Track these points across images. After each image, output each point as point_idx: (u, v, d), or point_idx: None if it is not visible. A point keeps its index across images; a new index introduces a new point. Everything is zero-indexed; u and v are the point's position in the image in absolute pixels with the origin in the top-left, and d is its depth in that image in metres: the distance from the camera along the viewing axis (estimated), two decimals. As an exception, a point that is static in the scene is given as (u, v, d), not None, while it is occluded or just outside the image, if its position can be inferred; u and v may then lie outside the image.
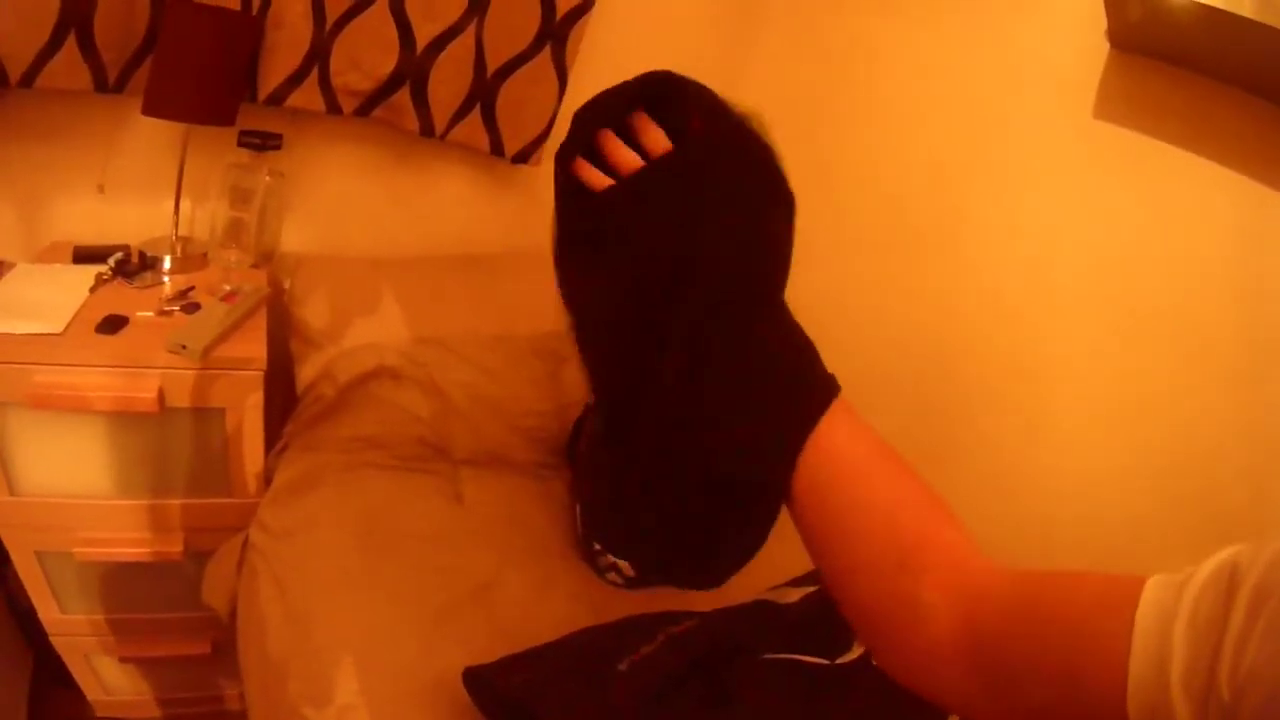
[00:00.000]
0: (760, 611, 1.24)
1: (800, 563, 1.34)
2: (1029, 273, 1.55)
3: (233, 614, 1.30)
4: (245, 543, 1.30)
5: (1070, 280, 1.50)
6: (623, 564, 1.31)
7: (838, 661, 1.15)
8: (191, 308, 1.39)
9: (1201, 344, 1.38)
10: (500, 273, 1.76)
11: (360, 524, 1.26)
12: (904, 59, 1.72)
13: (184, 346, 1.26)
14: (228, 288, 1.44)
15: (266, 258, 1.65)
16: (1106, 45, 1.40)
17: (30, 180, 1.52)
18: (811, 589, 1.30)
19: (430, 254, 1.80)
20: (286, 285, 1.62)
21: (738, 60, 2.05)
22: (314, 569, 1.19)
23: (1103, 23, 1.38)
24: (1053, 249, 1.53)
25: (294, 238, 1.71)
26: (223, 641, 1.48)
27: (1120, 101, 1.43)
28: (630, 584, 1.32)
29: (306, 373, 1.49)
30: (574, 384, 1.61)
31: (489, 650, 1.04)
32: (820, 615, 1.24)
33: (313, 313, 1.54)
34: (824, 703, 1.09)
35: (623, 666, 1.04)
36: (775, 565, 1.34)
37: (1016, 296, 1.57)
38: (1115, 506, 1.46)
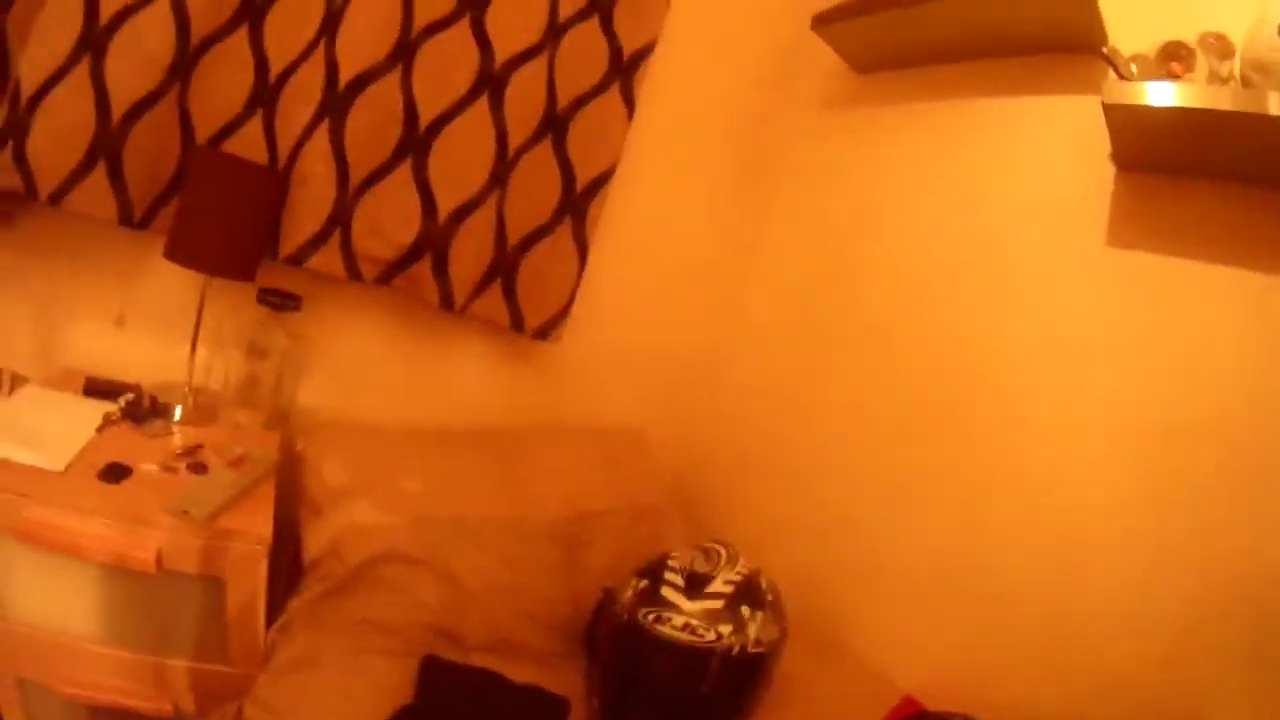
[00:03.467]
0: None
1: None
2: (1056, 403, 1.54)
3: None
4: (239, 714, 1.20)
5: (1099, 406, 1.50)
6: None
7: None
8: (198, 468, 1.32)
9: (1232, 451, 1.35)
10: (517, 451, 1.72)
11: (366, 712, 1.16)
12: (913, 230, 1.78)
13: (186, 511, 1.19)
14: (238, 450, 1.37)
15: (280, 419, 1.60)
16: (1113, 167, 1.45)
17: (50, 297, 1.50)
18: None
19: (446, 426, 1.76)
20: (298, 448, 1.55)
21: (753, 226, 2.11)
22: None
23: (1106, 146, 1.44)
24: (1080, 378, 1.54)
25: (309, 400, 1.67)
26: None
27: (1132, 223, 1.46)
28: None
29: (313, 543, 1.41)
30: (591, 570, 1.54)
31: None
32: None
33: (323, 482, 1.47)
34: None
35: None
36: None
37: (1045, 427, 1.55)
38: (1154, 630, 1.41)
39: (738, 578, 1.31)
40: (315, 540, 1.42)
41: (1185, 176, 1.38)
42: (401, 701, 1.17)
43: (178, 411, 1.45)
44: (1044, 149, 1.57)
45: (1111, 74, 1.36)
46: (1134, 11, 1.42)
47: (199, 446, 1.38)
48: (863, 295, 1.86)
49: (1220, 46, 1.22)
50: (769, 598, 1.32)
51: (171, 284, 1.50)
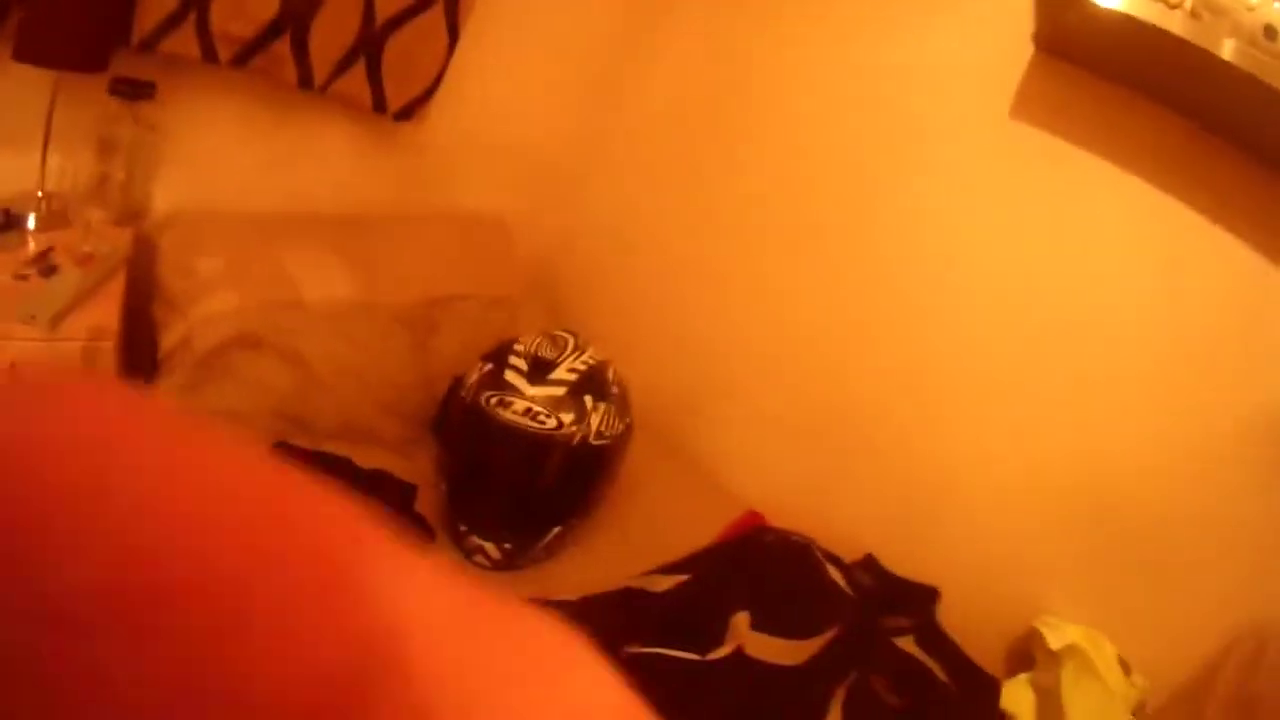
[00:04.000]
0: (628, 601, 1.26)
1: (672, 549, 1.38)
2: (936, 270, 1.61)
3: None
4: None
5: (977, 282, 1.56)
6: (489, 546, 1.32)
7: (708, 657, 1.17)
8: (48, 271, 1.31)
9: (1107, 358, 1.46)
10: (374, 236, 1.71)
11: None
12: (819, 54, 1.77)
13: (33, 317, 1.20)
14: (87, 249, 1.37)
15: (133, 216, 1.57)
16: (1031, 48, 1.42)
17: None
18: (683, 578, 1.32)
19: (307, 213, 1.74)
20: (152, 241, 1.53)
21: (643, 44, 2.03)
22: None
23: (1029, 25, 1.40)
24: (961, 248, 1.59)
25: (165, 194, 1.61)
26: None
27: (1041, 103, 1.49)
28: (497, 566, 1.32)
29: (169, 340, 1.42)
30: (442, 355, 1.59)
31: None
32: (691, 606, 1.26)
33: (177, 275, 1.46)
34: (694, 702, 1.11)
35: None
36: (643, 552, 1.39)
37: (922, 295, 1.62)
38: (1007, 516, 1.59)
39: (583, 366, 1.36)
40: (169, 335, 1.43)
41: (1106, 78, 1.39)
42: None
43: (31, 220, 1.42)
44: (964, 14, 1.56)
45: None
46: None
47: (50, 250, 1.36)
48: (754, 110, 1.86)
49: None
50: (614, 390, 1.38)
51: (20, 90, 1.42)
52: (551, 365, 1.35)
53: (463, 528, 1.33)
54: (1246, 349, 1.39)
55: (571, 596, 1.23)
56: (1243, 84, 1.17)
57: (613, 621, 1.20)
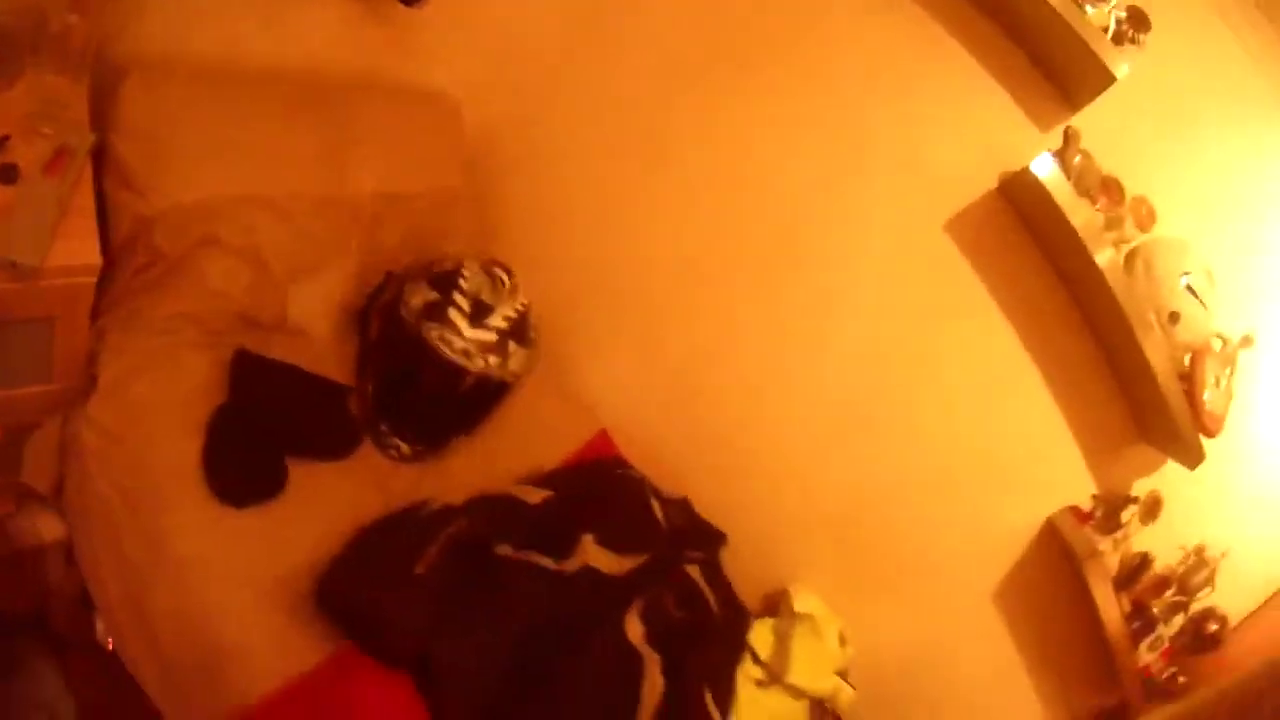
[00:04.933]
0: (508, 506, 1.61)
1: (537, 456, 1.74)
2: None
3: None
4: (68, 432, 1.37)
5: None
6: (403, 445, 1.61)
7: (560, 566, 1.56)
8: (7, 174, 1.23)
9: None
10: (342, 115, 1.77)
11: (189, 416, 1.39)
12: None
13: (14, 264, 1.17)
14: (50, 146, 1.27)
15: (85, 65, 1.43)
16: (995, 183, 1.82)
17: None
18: (549, 494, 1.68)
19: (282, 74, 1.75)
20: (112, 100, 1.45)
21: None
22: (157, 477, 1.33)
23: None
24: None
25: (130, 37, 1.54)
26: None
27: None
28: (405, 459, 1.63)
29: (124, 225, 1.45)
30: (382, 249, 1.77)
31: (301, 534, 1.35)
32: (553, 520, 1.63)
33: (137, 147, 1.44)
34: (548, 600, 1.52)
35: (419, 570, 1.38)
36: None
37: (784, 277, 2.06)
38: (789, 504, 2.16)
39: (514, 314, 1.62)
40: (123, 218, 1.45)
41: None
42: (217, 400, 1.42)
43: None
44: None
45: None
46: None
47: (6, 138, 1.28)
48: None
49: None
50: (533, 336, 1.66)
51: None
52: (490, 310, 1.58)
53: (384, 427, 1.61)
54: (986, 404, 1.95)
55: (461, 500, 1.55)
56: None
57: (499, 521, 1.56)
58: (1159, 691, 1.78)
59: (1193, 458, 1.72)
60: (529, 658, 1.42)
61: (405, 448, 1.62)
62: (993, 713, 2.13)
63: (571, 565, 1.59)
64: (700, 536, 2.03)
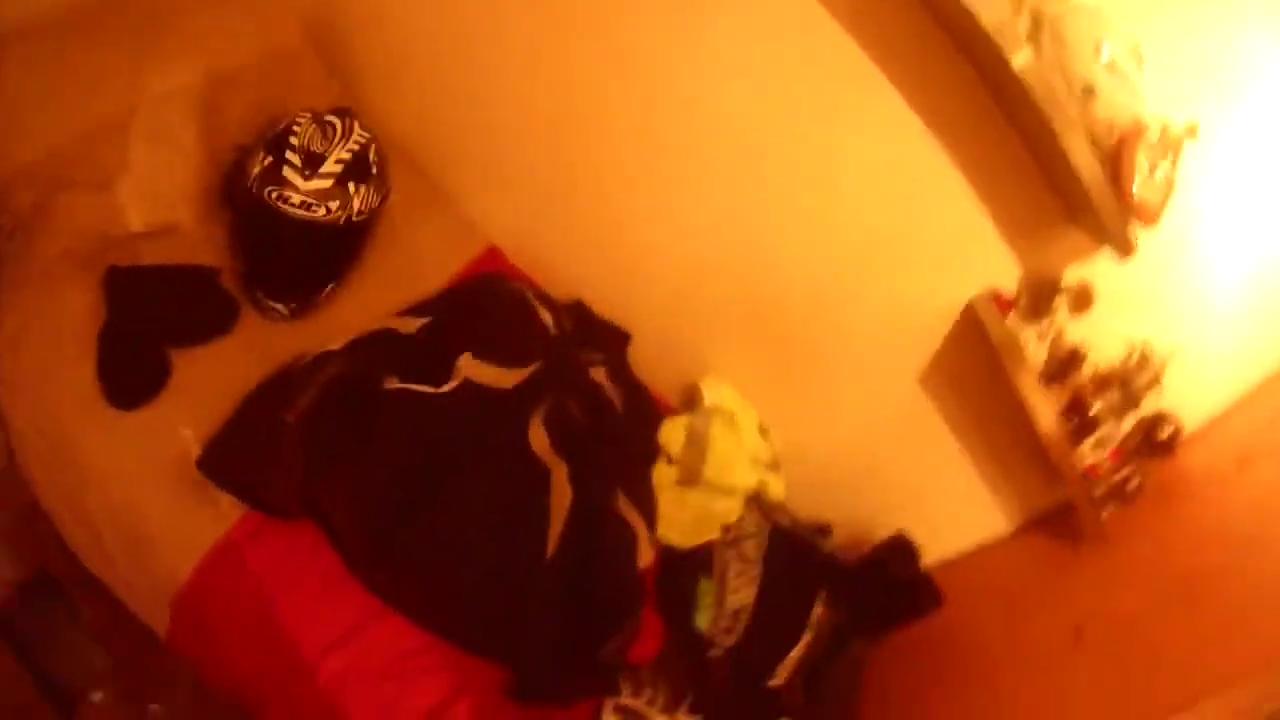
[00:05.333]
0: (384, 340, 1.67)
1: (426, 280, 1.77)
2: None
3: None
4: None
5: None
6: (279, 306, 1.68)
7: (441, 390, 1.60)
8: None
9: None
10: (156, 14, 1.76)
11: (79, 344, 1.51)
12: None
13: None
14: None
15: None
16: None
17: None
18: (426, 320, 1.71)
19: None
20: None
21: None
22: (62, 408, 1.48)
23: None
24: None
25: None
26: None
27: None
28: (286, 318, 1.72)
29: None
30: (227, 130, 1.78)
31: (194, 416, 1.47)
32: (431, 346, 1.67)
33: None
34: (430, 425, 1.58)
35: (290, 418, 1.47)
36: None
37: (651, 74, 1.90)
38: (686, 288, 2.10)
39: (348, 155, 1.63)
40: None
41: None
42: (98, 322, 1.53)
43: None
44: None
45: None
46: None
47: None
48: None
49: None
50: (374, 170, 1.66)
51: None
52: (321, 159, 1.60)
53: (259, 294, 1.69)
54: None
55: (338, 345, 1.62)
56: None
57: (375, 358, 1.63)
58: (1114, 494, 1.70)
59: (1123, 246, 1.54)
60: (418, 482, 1.52)
61: (283, 308, 1.71)
62: (938, 506, 2.10)
63: (449, 385, 1.63)
64: (599, 338, 2.02)
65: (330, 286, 1.74)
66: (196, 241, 1.72)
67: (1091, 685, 1.48)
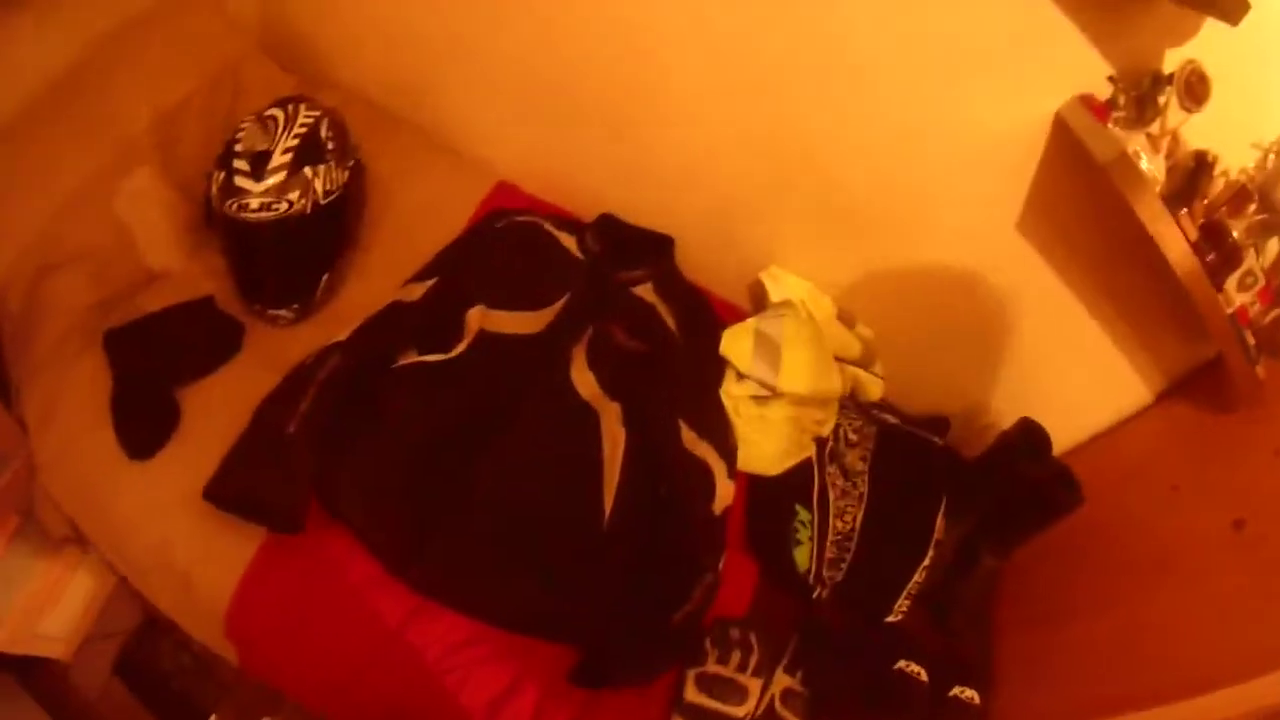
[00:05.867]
0: (390, 317, 1.53)
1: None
2: None
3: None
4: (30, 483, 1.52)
5: None
6: (282, 312, 1.60)
7: (452, 354, 1.47)
8: None
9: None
10: (91, 74, 1.71)
11: (97, 411, 1.49)
12: None
13: None
14: None
15: None
16: None
17: None
18: (432, 282, 1.57)
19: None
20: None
21: None
22: (91, 473, 1.47)
23: None
24: None
25: None
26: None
27: None
28: (294, 322, 1.62)
29: None
30: (190, 159, 1.71)
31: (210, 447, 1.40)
32: (438, 309, 1.53)
33: None
34: (446, 397, 1.43)
35: (292, 429, 1.36)
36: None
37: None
38: (729, 175, 1.77)
39: (295, 141, 1.51)
40: None
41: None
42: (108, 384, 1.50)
43: None
44: None
45: None
46: None
47: None
48: None
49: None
50: (330, 145, 1.53)
51: None
52: (268, 155, 1.49)
53: (258, 306, 1.60)
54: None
55: (344, 335, 1.48)
56: None
57: (382, 340, 1.48)
58: (1269, 343, 1.38)
59: (1231, 7, 1.17)
60: (441, 461, 1.37)
61: (287, 314, 1.61)
62: (1062, 379, 1.73)
63: (460, 347, 1.47)
64: (638, 250, 1.75)
65: (326, 276, 1.63)
66: (194, 277, 1.67)
67: (1255, 586, 1.15)
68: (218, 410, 1.50)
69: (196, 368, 1.55)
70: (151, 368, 1.53)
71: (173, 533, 1.42)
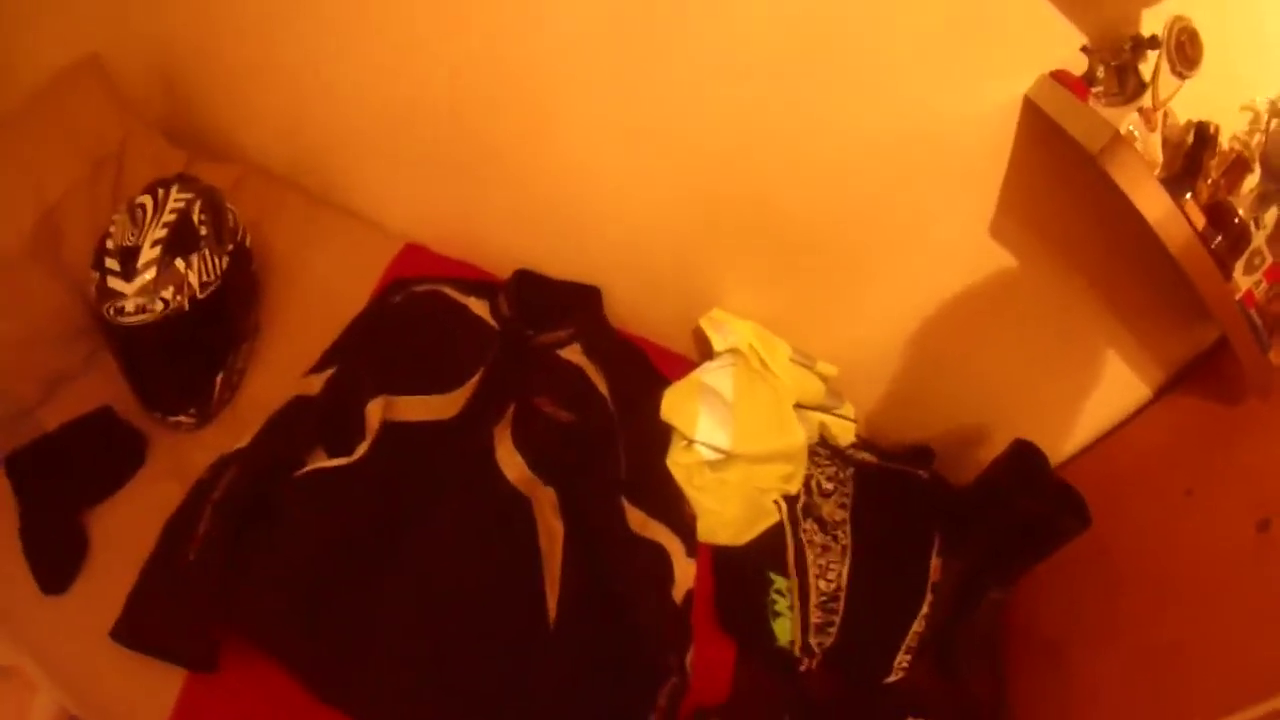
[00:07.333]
0: (290, 416, 1.40)
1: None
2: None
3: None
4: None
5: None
6: (181, 417, 1.48)
7: (355, 457, 1.32)
8: None
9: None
10: None
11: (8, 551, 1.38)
12: None
13: None
14: None
15: None
16: None
17: None
18: (330, 371, 1.43)
19: None
20: None
21: None
22: (14, 617, 1.38)
23: None
24: None
25: None
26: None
27: None
28: (197, 427, 1.50)
29: None
30: (77, 253, 1.54)
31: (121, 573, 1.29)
32: (336, 404, 1.39)
33: None
34: (347, 506, 1.31)
35: (191, 556, 1.26)
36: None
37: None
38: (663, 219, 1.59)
39: (163, 232, 1.39)
40: None
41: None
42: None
43: None
44: None
45: None
46: None
47: None
48: None
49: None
50: (204, 231, 1.39)
51: None
52: (136, 251, 1.36)
53: (157, 414, 1.47)
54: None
55: (246, 440, 1.36)
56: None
57: (283, 444, 1.35)
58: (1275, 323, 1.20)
59: None
60: (349, 579, 1.25)
61: (185, 418, 1.49)
62: (1053, 387, 1.56)
63: (362, 448, 1.33)
64: (559, 308, 1.58)
65: (220, 375, 1.50)
66: (92, 384, 1.55)
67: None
68: (127, 532, 1.40)
69: (101, 487, 1.44)
70: (56, 494, 1.42)
71: (99, 667, 1.33)
